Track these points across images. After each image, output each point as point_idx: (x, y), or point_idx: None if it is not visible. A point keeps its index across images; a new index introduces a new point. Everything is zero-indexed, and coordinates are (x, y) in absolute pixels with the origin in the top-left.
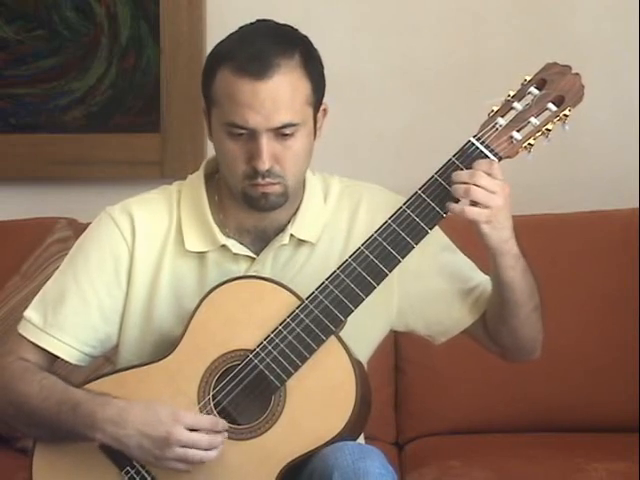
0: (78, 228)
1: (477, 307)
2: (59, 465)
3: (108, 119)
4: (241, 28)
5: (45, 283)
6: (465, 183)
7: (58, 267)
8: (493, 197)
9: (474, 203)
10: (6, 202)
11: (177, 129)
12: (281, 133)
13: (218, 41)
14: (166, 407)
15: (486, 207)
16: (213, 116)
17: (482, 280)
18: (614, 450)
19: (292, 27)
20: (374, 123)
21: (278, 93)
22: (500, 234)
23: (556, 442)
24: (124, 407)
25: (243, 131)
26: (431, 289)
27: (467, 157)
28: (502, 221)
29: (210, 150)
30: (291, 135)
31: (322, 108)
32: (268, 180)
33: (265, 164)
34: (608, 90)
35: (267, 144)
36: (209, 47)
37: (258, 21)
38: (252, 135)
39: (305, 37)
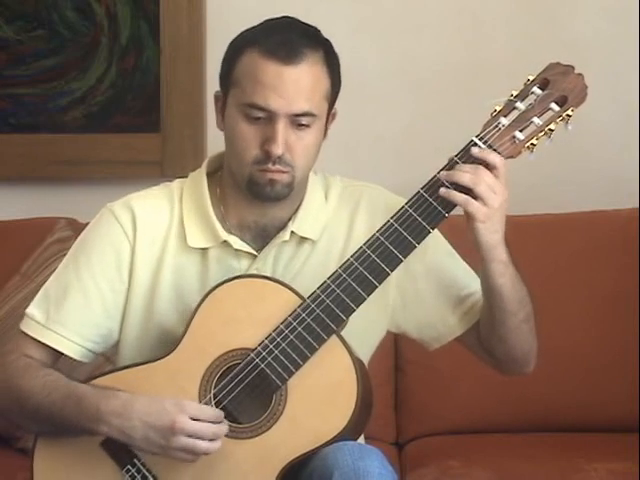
0: (78, 228)
1: (470, 316)
2: (60, 464)
3: (108, 119)
4: (267, 21)
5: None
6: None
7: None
8: (493, 196)
9: (474, 197)
10: (6, 202)
11: (177, 129)
12: (297, 122)
13: (218, 41)
14: (170, 398)
15: (485, 204)
16: (230, 98)
17: (478, 289)
18: (614, 450)
19: (317, 28)
20: (374, 123)
21: (302, 80)
22: (490, 237)
23: (556, 442)
24: (128, 399)
25: (261, 114)
26: (425, 292)
27: (470, 157)
28: (495, 224)
29: (210, 150)
30: (306, 126)
31: (332, 112)
32: (278, 167)
33: (279, 148)
34: (608, 90)
35: (283, 129)
36: (209, 47)
37: (284, 17)
38: (269, 119)
39: (328, 40)
